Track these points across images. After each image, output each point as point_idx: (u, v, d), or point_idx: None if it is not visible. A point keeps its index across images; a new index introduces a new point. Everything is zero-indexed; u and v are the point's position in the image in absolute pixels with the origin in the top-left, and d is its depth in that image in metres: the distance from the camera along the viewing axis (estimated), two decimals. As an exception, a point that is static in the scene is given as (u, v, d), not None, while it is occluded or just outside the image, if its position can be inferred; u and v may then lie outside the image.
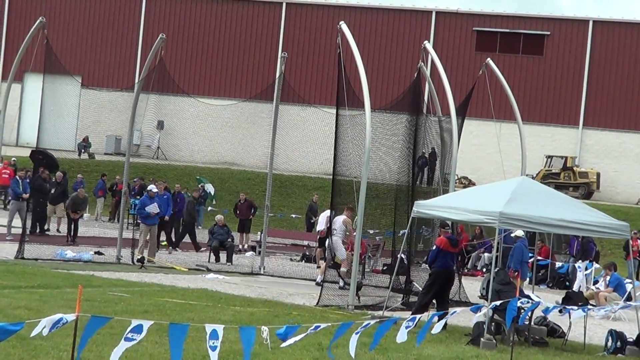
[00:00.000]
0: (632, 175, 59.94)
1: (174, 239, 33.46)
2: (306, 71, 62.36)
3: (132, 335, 9.57)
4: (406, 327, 12.75)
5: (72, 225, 31.70)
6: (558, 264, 32.86)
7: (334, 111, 21.97)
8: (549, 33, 61.37)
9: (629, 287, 25.02)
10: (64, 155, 46.63)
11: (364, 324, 11.81)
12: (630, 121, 60.12)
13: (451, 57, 58.64)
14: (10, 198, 33.93)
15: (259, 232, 32.82)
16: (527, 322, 18.11)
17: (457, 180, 49.54)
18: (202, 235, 34.33)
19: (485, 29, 62.00)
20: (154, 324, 10.02)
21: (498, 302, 16.74)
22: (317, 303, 21.06)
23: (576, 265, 30.50)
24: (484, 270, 33.15)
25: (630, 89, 60.20)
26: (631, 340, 18.01)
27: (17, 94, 62.97)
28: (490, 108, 35.50)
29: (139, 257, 26.93)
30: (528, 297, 19.25)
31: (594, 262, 31.23)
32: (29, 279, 20.80)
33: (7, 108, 36.72)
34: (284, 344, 11.04)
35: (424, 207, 19.56)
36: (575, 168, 57.92)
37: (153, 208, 27.74)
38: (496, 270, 18.93)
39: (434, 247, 19.33)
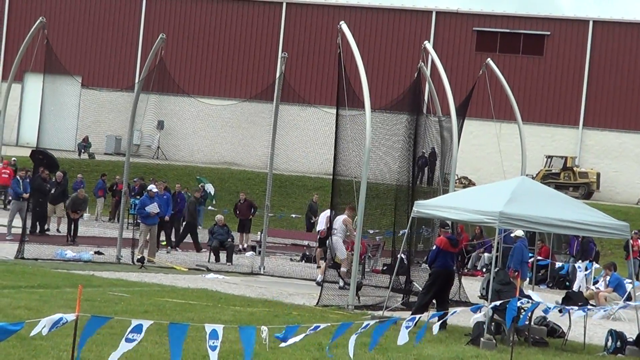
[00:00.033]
0: (632, 176, 59.94)
1: (173, 239, 33.47)
2: (306, 71, 62.36)
3: (132, 336, 9.57)
4: (406, 327, 12.74)
5: (72, 225, 31.71)
6: (558, 265, 32.86)
7: (334, 111, 21.97)
8: (549, 33, 61.37)
9: (629, 287, 25.01)
10: (64, 155, 46.63)
11: (363, 325, 11.81)
12: (630, 121, 60.12)
13: (451, 57, 58.64)
14: (10, 198, 33.95)
15: (259, 232, 32.82)
16: (527, 323, 18.11)
17: (457, 180, 49.56)
18: (202, 235, 34.33)
19: (485, 29, 62.00)
20: (154, 323, 10.03)
21: (498, 302, 16.74)
22: (317, 303, 21.06)
23: (576, 265, 30.50)
24: (484, 270, 33.14)
25: (630, 89, 60.20)
26: (631, 340, 18.01)
27: (17, 94, 62.98)
28: (490, 108, 35.50)
29: (139, 257, 26.93)
30: (529, 297, 19.25)
31: (594, 262, 31.23)
32: (29, 279, 20.80)
33: (7, 108, 36.74)
34: (283, 344, 11.05)
35: (424, 207, 19.56)
36: (575, 168, 57.92)
37: (153, 208, 27.74)
38: (496, 270, 18.93)
39: (434, 247, 19.33)
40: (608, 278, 25.19)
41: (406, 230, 21.95)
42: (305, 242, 35.47)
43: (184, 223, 36.08)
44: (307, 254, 33.58)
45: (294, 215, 45.97)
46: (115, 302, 18.01)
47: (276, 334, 10.89)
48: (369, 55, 56.11)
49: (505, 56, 59.72)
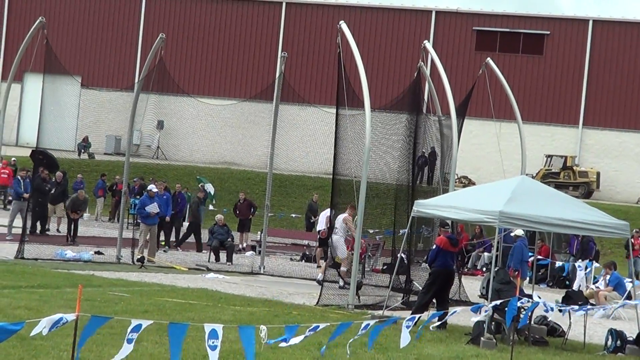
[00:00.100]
0: (632, 175, 59.93)
1: (173, 239, 33.47)
2: (306, 71, 62.35)
3: (132, 336, 9.58)
4: (406, 327, 12.74)
5: (72, 225, 31.70)
6: (558, 264, 32.87)
7: (334, 111, 21.97)
8: (548, 32, 61.36)
9: (629, 286, 25.01)
10: (64, 155, 46.65)
11: (363, 325, 11.81)
12: (630, 120, 60.12)
13: (451, 57, 58.63)
14: (10, 198, 33.95)
15: (259, 232, 32.83)
16: (527, 322, 18.10)
17: (457, 180, 49.59)
18: (202, 235, 34.31)
19: (485, 29, 61.99)
20: (154, 323, 10.02)
21: (498, 302, 16.73)
22: (317, 302, 21.06)
23: (576, 264, 30.50)
24: (484, 269, 33.15)
25: (630, 89, 60.20)
26: (631, 339, 18.01)
27: (17, 94, 62.97)
28: (490, 107, 35.47)
29: (138, 256, 26.94)
30: (530, 296, 19.24)
31: (594, 262, 31.23)
32: (29, 278, 20.80)
33: (7, 108, 36.74)
34: (284, 344, 11.05)
35: (424, 206, 19.56)
36: (575, 167, 57.92)
37: (153, 208, 27.73)
38: (496, 269, 18.93)
39: (434, 247, 19.33)
40: (608, 277, 25.18)
41: (406, 230, 21.94)
42: (305, 242, 35.47)
43: (184, 223, 36.11)
44: (307, 253, 33.58)
45: (293, 215, 45.96)
46: (115, 302, 18.01)
47: (278, 338, 10.92)
48: (369, 54, 56.10)
49: (505, 56, 59.71)
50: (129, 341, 9.56)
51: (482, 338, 16.97)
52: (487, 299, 18.43)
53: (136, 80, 52.06)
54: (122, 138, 58.59)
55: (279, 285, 24.92)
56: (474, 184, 51.85)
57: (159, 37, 27.83)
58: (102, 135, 56.73)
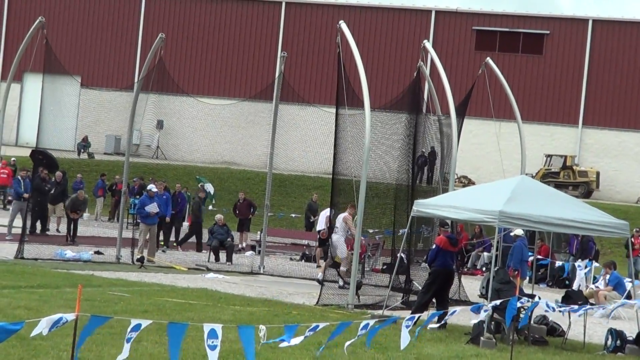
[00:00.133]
0: (632, 174, 59.93)
1: (173, 239, 33.47)
2: (306, 71, 62.35)
3: (132, 336, 9.58)
4: (406, 327, 12.74)
5: (72, 225, 31.70)
6: (558, 264, 32.86)
7: (334, 110, 21.96)
8: (548, 32, 61.36)
9: (628, 285, 25.01)
10: (64, 155, 46.68)
11: (363, 325, 11.81)
12: (630, 120, 60.12)
13: (451, 57, 58.63)
14: (10, 198, 33.94)
15: (259, 232, 32.83)
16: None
17: (457, 179, 49.61)
18: (202, 234, 34.33)
19: (484, 28, 61.99)
20: (153, 323, 10.02)
21: (498, 301, 16.73)
22: (317, 302, 21.06)
23: (576, 264, 30.50)
24: (484, 269, 33.15)
25: (629, 88, 60.19)
26: (631, 338, 18.01)
27: (17, 94, 62.96)
28: (489, 107, 35.47)
29: (138, 256, 26.94)
30: (531, 296, 19.24)
31: (594, 261, 31.22)
32: (28, 278, 20.80)
33: (6, 108, 36.72)
34: (284, 344, 11.05)
35: (424, 206, 19.56)
36: (574, 167, 57.91)
37: (152, 208, 27.73)
38: (496, 269, 18.93)
39: (434, 246, 19.33)
40: (608, 277, 25.18)
41: (406, 230, 21.95)
42: (305, 242, 35.49)
43: (184, 223, 36.11)
44: (307, 253, 33.60)
45: (293, 215, 45.96)
46: (115, 302, 18.01)
47: (278, 338, 10.92)
48: (369, 54, 56.11)
49: (505, 55, 59.71)
50: (129, 340, 9.56)
51: (481, 338, 16.97)
52: (486, 299, 18.42)
53: (136, 80, 52.02)
54: (121, 138, 58.59)
55: (278, 285, 24.92)
56: (473, 183, 51.85)
57: (158, 37, 27.83)
58: (101, 135, 56.75)
